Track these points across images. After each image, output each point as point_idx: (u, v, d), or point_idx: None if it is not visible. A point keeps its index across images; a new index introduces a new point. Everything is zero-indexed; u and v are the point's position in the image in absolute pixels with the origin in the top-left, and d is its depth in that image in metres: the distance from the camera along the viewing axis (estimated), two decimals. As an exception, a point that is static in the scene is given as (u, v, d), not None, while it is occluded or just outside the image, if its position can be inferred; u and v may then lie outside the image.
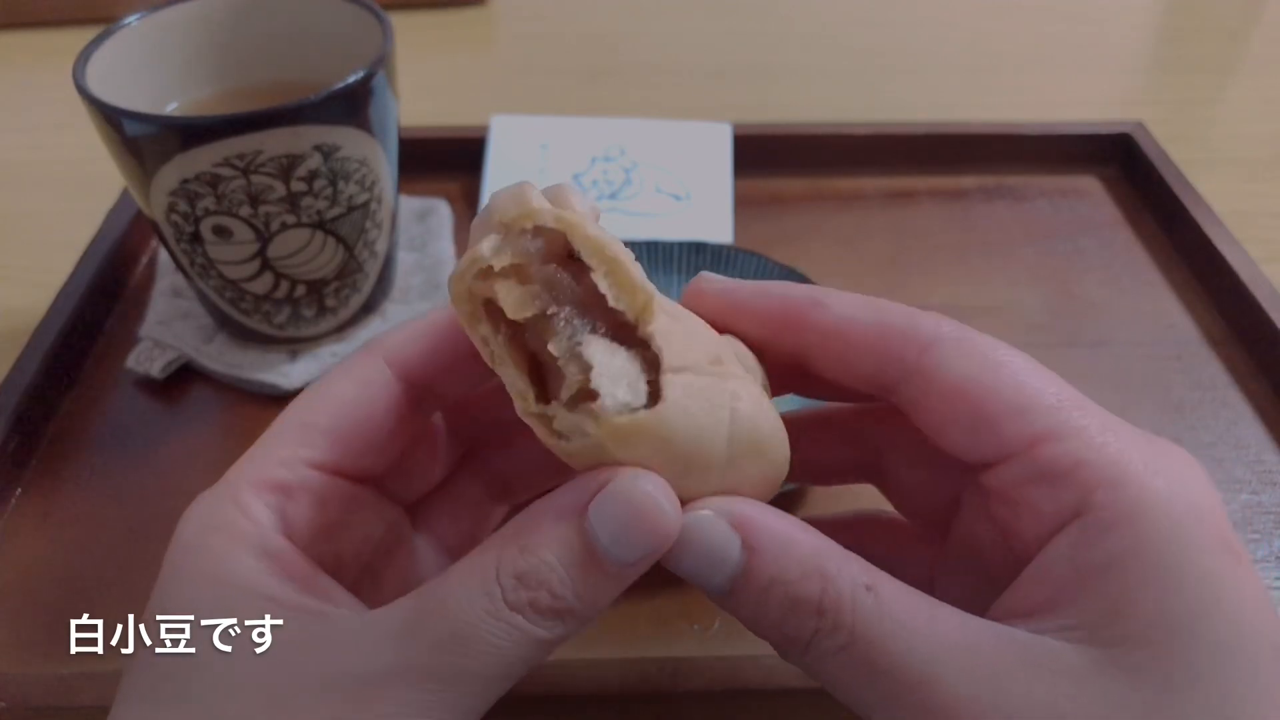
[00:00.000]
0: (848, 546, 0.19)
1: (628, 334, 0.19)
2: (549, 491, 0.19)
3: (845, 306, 0.20)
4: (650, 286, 0.19)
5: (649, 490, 0.17)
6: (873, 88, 0.65)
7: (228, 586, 0.18)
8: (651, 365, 0.18)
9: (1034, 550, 0.18)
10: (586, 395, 0.18)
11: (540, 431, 0.19)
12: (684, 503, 0.19)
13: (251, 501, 0.19)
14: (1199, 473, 0.18)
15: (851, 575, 0.18)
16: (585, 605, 0.18)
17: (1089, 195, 0.53)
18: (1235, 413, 0.40)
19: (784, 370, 0.22)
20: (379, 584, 0.22)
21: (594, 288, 0.18)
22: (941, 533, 0.23)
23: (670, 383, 0.18)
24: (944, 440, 0.19)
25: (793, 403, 0.25)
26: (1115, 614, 0.17)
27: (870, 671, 0.17)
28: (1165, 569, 0.16)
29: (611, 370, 0.18)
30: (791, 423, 0.21)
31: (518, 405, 0.19)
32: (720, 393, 0.19)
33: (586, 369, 0.18)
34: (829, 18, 0.75)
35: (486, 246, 0.18)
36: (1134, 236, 0.50)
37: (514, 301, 0.18)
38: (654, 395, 0.18)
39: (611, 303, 0.18)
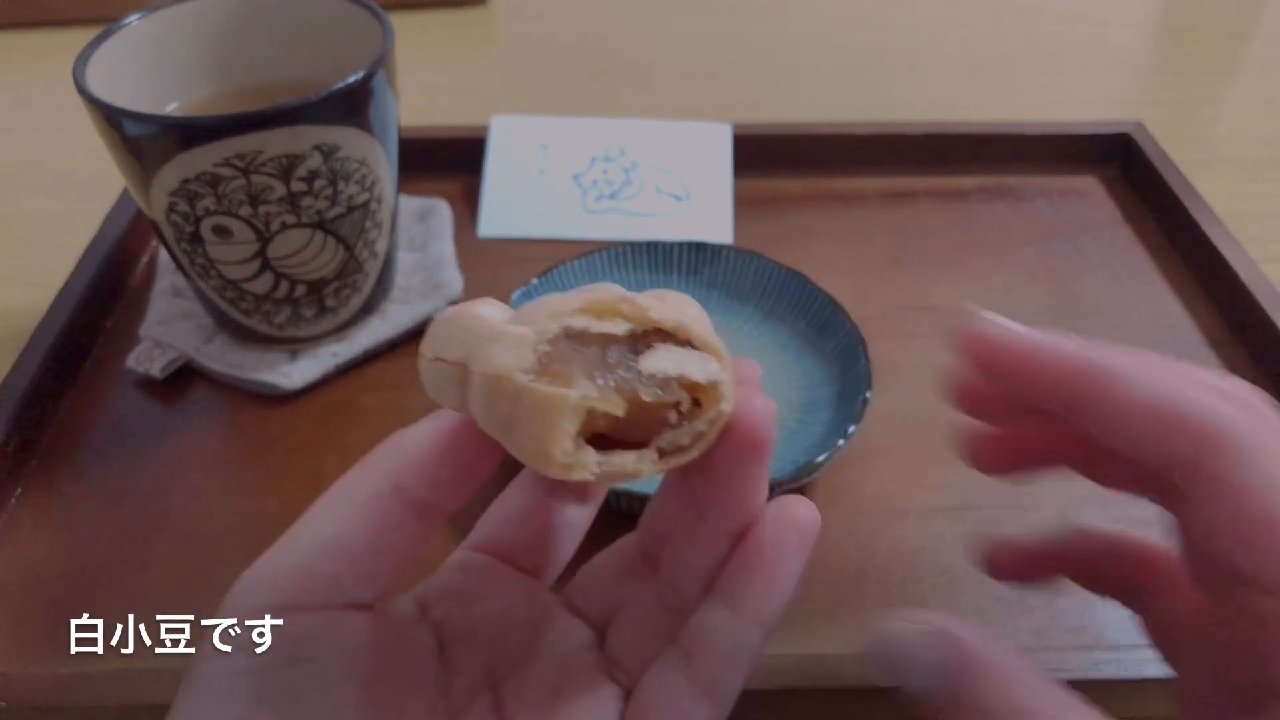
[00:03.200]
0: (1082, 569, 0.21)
1: (643, 339, 0.19)
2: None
3: (1143, 383, 0.18)
4: (614, 290, 0.19)
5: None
6: (872, 88, 0.65)
7: None
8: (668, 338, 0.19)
9: None
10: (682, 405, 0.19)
11: (668, 467, 0.19)
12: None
13: None
14: None
15: None
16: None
17: (1089, 195, 0.53)
18: (1235, 413, 0.40)
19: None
20: None
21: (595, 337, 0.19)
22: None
23: (705, 334, 0.19)
24: (1224, 557, 0.18)
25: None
26: None
27: None
28: None
29: (691, 365, 0.19)
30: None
31: (644, 470, 0.19)
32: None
33: (683, 381, 0.19)
34: (829, 18, 0.75)
35: (575, 392, 0.18)
36: (1134, 236, 0.50)
37: (608, 403, 0.18)
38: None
39: (619, 331, 0.19)
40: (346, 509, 0.20)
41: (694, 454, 0.19)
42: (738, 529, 0.20)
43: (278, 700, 0.19)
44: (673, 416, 0.19)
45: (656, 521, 0.23)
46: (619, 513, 0.34)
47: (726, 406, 0.19)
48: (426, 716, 0.21)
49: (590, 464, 0.18)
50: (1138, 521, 0.35)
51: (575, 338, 0.19)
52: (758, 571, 0.20)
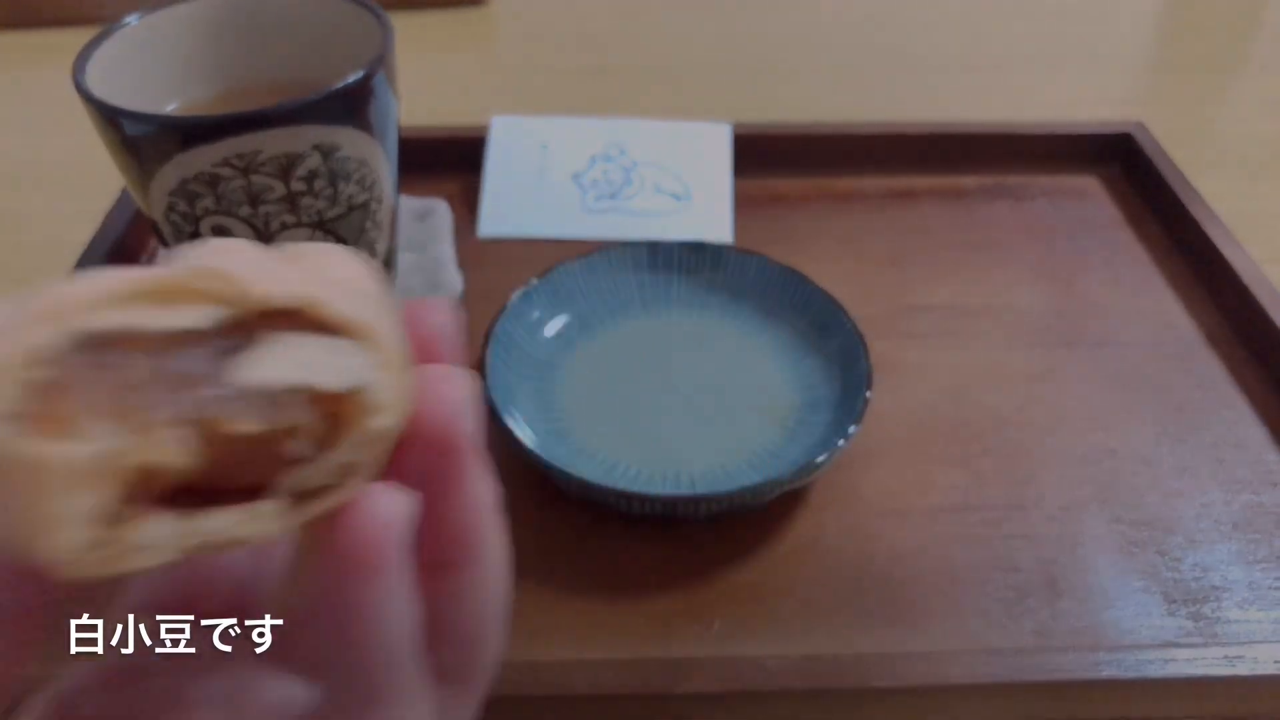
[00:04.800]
0: None
1: (254, 327, 0.12)
2: None
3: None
4: (218, 251, 0.13)
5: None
6: (873, 87, 0.65)
7: None
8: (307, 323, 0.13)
9: None
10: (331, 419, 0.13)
11: (306, 518, 0.13)
12: None
13: None
14: None
15: None
16: None
17: (1090, 195, 0.53)
18: (1236, 413, 0.40)
19: None
20: None
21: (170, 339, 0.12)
22: None
23: (351, 309, 0.13)
24: None
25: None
26: None
27: None
28: None
29: (319, 364, 0.12)
30: None
31: (257, 534, 0.12)
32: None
33: (309, 393, 0.12)
34: (828, 18, 0.75)
35: (74, 449, 0.11)
36: (1135, 236, 0.50)
37: (154, 450, 0.12)
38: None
39: (200, 324, 0.12)
40: None
41: (347, 493, 0.13)
42: None
43: None
44: (302, 446, 0.12)
45: None
46: (624, 514, 0.34)
47: (386, 419, 0.13)
48: None
49: (140, 544, 0.11)
50: (1137, 522, 0.35)
51: (113, 344, 0.11)
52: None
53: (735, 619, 0.32)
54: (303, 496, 0.12)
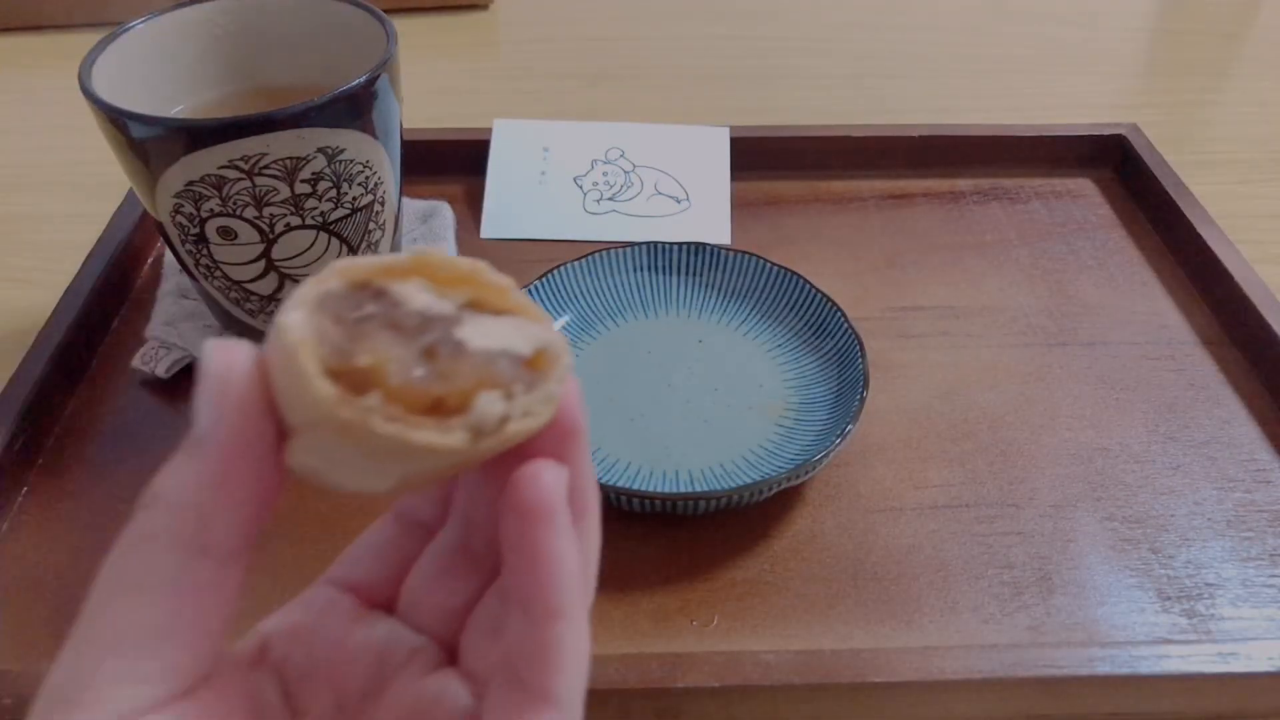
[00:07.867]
0: None
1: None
2: None
3: None
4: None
5: None
6: (869, 91, 0.66)
7: None
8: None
9: None
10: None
11: (486, 448, 0.17)
12: None
13: None
14: None
15: None
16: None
17: (1083, 197, 0.53)
18: (1228, 412, 0.40)
19: None
20: None
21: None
22: None
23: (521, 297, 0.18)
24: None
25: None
26: None
27: None
28: None
29: (515, 335, 0.17)
30: None
31: (448, 446, 0.16)
32: None
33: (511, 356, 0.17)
34: (825, 22, 0.75)
35: (308, 328, 0.15)
36: (1128, 237, 0.50)
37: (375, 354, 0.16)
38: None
39: (449, 308, 0.17)
40: (146, 600, 0.18)
41: (528, 426, 0.17)
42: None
43: None
44: (485, 400, 0.16)
45: (473, 508, 0.21)
46: (624, 512, 0.34)
47: (568, 360, 0.17)
48: None
49: (373, 407, 0.15)
50: (1130, 519, 0.36)
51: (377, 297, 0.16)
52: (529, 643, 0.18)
53: (733, 614, 0.32)
54: (485, 432, 0.16)
